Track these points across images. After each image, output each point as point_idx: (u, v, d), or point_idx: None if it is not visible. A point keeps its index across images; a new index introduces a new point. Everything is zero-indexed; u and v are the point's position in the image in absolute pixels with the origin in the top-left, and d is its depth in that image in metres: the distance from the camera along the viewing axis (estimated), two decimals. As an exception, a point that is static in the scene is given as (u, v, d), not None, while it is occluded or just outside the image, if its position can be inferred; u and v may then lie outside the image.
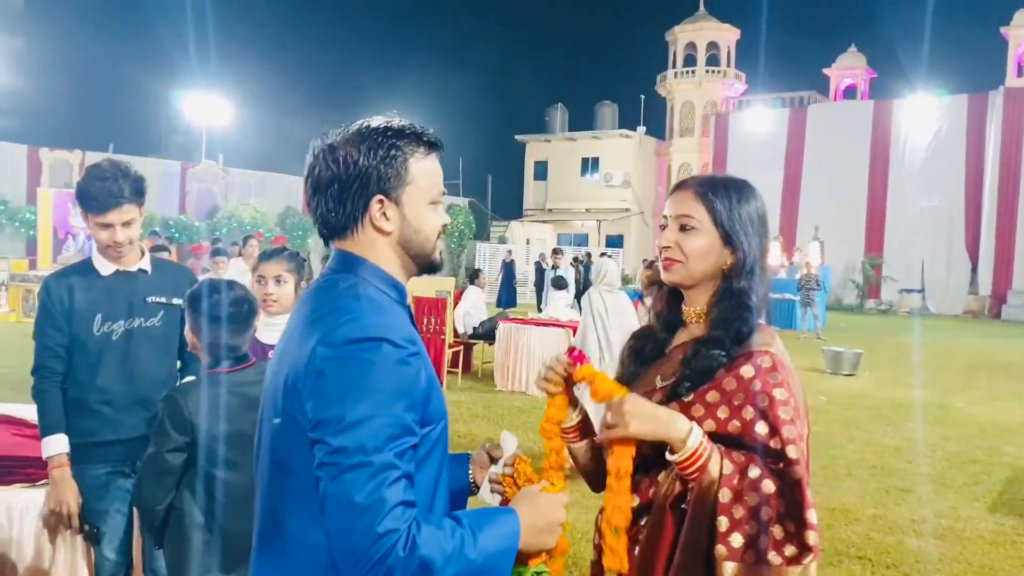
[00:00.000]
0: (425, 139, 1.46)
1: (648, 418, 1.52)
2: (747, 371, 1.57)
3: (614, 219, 36.94)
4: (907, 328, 21.17)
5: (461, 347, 10.77)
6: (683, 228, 1.65)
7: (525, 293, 28.57)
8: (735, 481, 1.51)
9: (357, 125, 1.44)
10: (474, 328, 11.01)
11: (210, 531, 2.45)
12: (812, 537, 1.49)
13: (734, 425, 1.55)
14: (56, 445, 2.70)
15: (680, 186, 1.70)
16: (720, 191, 1.65)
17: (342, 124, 1.46)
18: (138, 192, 2.74)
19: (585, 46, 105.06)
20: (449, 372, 10.14)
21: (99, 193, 2.66)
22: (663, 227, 1.71)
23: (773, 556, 1.48)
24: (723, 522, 1.50)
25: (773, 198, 30.49)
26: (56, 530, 2.86)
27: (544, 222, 38.30)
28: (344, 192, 1.40)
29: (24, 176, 24.48)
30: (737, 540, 1.49)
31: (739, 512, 1.50)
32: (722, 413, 1.56)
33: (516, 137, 41.62)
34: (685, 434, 1.51)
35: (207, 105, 29.62)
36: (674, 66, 37.69)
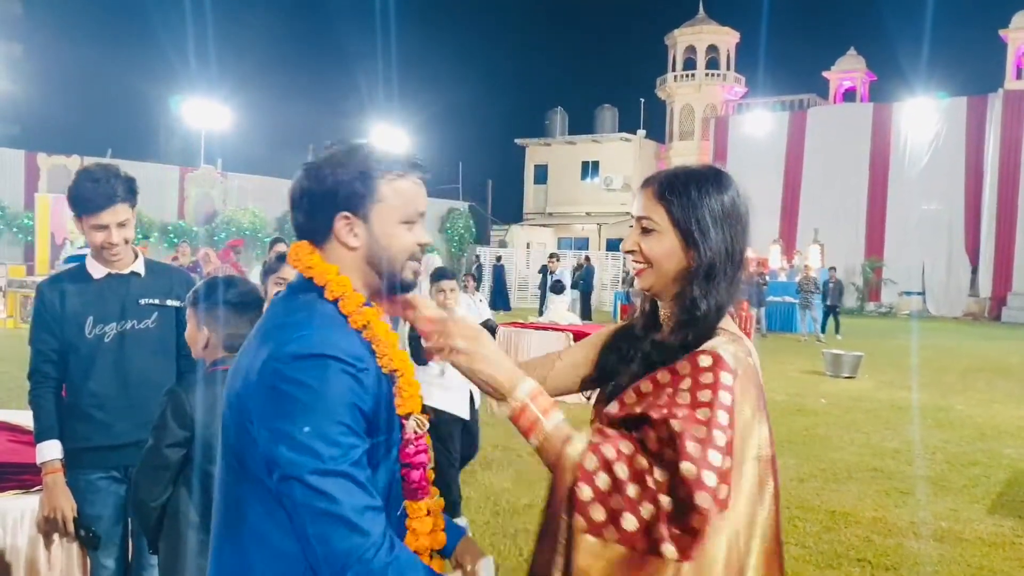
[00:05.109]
0: (402, 160, 1.48)
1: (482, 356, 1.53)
2: (683, 367, 1.46)
3: (614, 223, 36.87)
4: (907, 330, 21.15)
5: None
6: (644, 231, 1.56)
7: (525, 297, 28.51)
8: (604, 449, 1.40)
9: (340, 146, 1.48)
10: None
11: (206, 531, 2.43)
12: (696, 520, 1.33)
13: (649, 407, 1.44)
14: (49, 451, 2.69)
15: (644, 184, 1.59)
16: (680, 188, 1.52)
17: (329, 142, 1.50)
18: (131, 192, 2.73)
19: (585, 50, 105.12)
20: (448, 376, 10.10)
21: (92, 194, 2.65)
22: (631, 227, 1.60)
23: (638, 538, 1.35)
24: (585, 491, 1.37)
25: (773, 201, 30.57)
26: (51, 537, 2.84)
27: (544, 226, 38.26)
28: (314, 206, 1.45)
29: (22, 181, 24.40)
30: (599, 513, 1.37)
31: (603, 482, 1.37)
32: (647, 396, 1.47)
33: (516, 141, 41.56)
34: (510, 382, 1.51)
35: (205, 110, 29.55)
36: (674, 69, 37.70)
